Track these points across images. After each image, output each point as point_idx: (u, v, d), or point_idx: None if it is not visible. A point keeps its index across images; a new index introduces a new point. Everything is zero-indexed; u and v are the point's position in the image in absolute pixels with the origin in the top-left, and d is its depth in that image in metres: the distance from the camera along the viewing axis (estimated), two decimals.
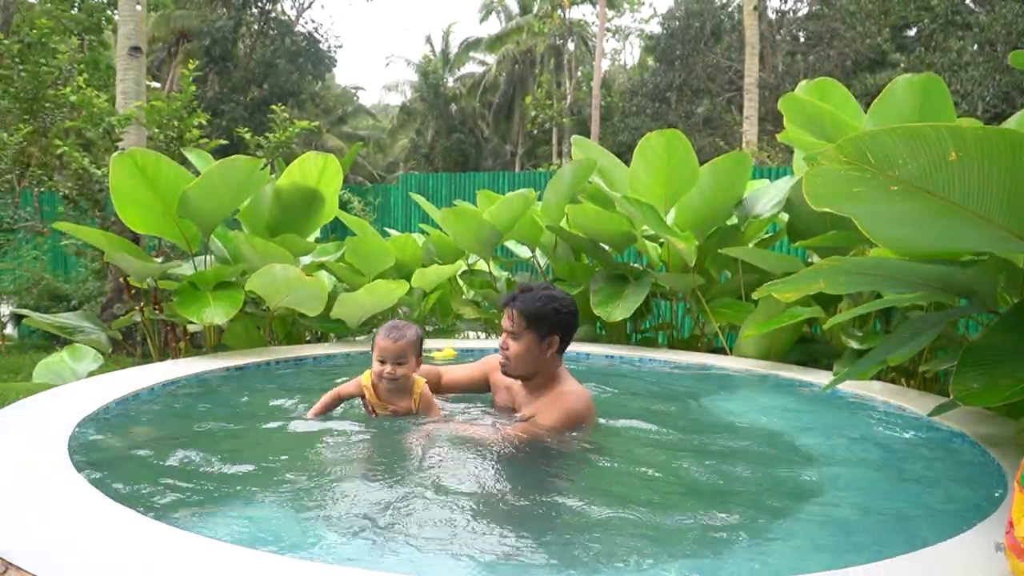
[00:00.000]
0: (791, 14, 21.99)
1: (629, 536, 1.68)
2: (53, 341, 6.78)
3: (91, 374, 3.54)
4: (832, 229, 3.60)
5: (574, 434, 2.39)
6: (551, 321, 2.48)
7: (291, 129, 7.27)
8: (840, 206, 1.89)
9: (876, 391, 3.12)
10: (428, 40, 34.41)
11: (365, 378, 2.55)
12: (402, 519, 1.71)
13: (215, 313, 3.72)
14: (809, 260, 4.57)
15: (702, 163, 4.22)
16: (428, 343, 4.40)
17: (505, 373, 2.55)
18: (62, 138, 7.30)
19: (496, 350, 2.60)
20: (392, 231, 5.95)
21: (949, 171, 1.60)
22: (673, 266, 4.65)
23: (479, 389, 2.85)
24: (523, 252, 5.50)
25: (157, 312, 4.43)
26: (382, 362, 2.46)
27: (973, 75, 15.74)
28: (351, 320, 4.38)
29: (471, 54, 33.04)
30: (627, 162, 4.49)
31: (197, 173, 4.15)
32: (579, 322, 2.65)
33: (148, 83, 8.83)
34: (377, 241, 4.80)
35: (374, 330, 2.51)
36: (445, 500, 1.83)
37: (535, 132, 28.12)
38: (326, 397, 2.57)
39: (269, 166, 5.69)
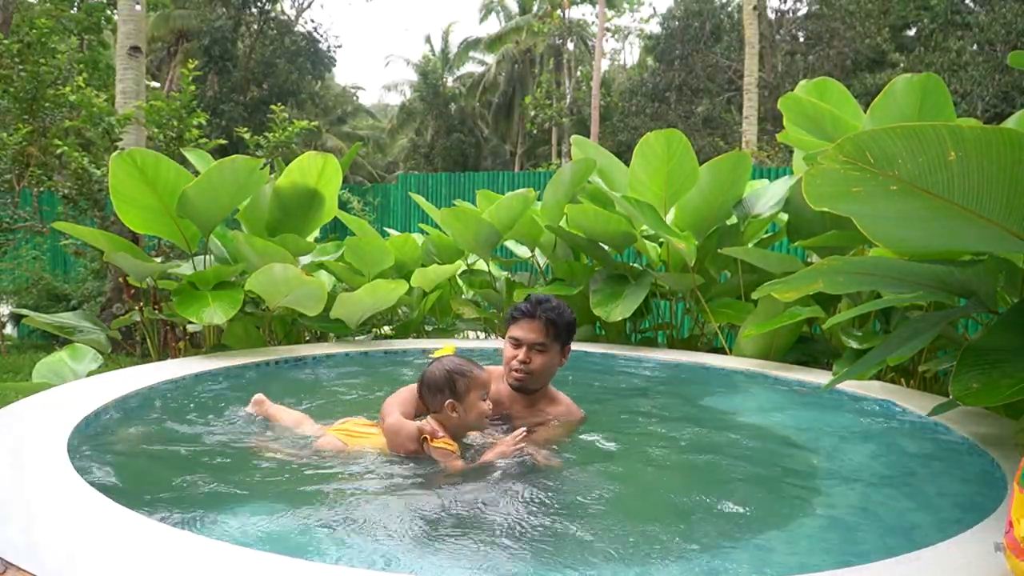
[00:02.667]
0: (791, 14, 21.98)
1: (628, 536, 1.69)
2: (52, 341, 6.79)
3: (91, 374, 3.53)
4: (832, 229, 3.60)
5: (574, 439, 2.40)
6: (571, 331, 2.49)
7: (290, 129, 7.28)
8: (839, 206, 1.89)
9: (876, 391, 3.12)
10: (428, 40, 34.42)
11: (447, 443, 2.11)
12: (405, 519, 1.71)
13: (214, 313, 3.72)
14: (808, 260, 4.57)
15: (702, 163, 4.22)
16: (428, 343, 4.41)
17: (521, 388, 2.43)
18: (62, 138, 7.30)
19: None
20: (392, 231, 5.95)
21: (948, 171, 1.60)
22: (673, 266, 4.65)
23: None
24: (523, 252, 5.51)
25: (156, 312, 4.43)
26: (484, 399, 2.19)
27: (973, 75, 15.75)
28: (351, 320, 4.38)
29: (471, 54, 33.04)
30: (627, 162, 4.49)
31: (196, 173, 4.15)
32: (577, 324, 2.64)
33: (148, 83, 8.83)
34: (377, 241, 4.80)
35: (434, 357, 2.26)
36: (451, 503, 1.83)
37: (534, 132, 28.13)
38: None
39: (268, 166, 5.69)
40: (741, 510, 1.87)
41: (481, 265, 5.59)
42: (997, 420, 2.61)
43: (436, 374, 2.18)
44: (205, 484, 1.90)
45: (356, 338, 4.71)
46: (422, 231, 5.90)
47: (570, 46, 28.40)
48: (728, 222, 4.57)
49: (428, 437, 2.07)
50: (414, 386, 2.33)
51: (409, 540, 1.60)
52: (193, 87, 6.73)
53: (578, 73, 26.81)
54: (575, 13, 27.65)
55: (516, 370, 2.41)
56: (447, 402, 2.14)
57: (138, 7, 7.28)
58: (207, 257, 4.35)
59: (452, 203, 5.58)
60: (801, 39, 21.83)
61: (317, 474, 2.03)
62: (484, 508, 1.80)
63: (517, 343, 2.42)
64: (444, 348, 4.15)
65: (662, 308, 5.66)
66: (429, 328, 5.49)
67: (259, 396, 2.49)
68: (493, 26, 34.38)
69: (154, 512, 1.63)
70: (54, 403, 2.47)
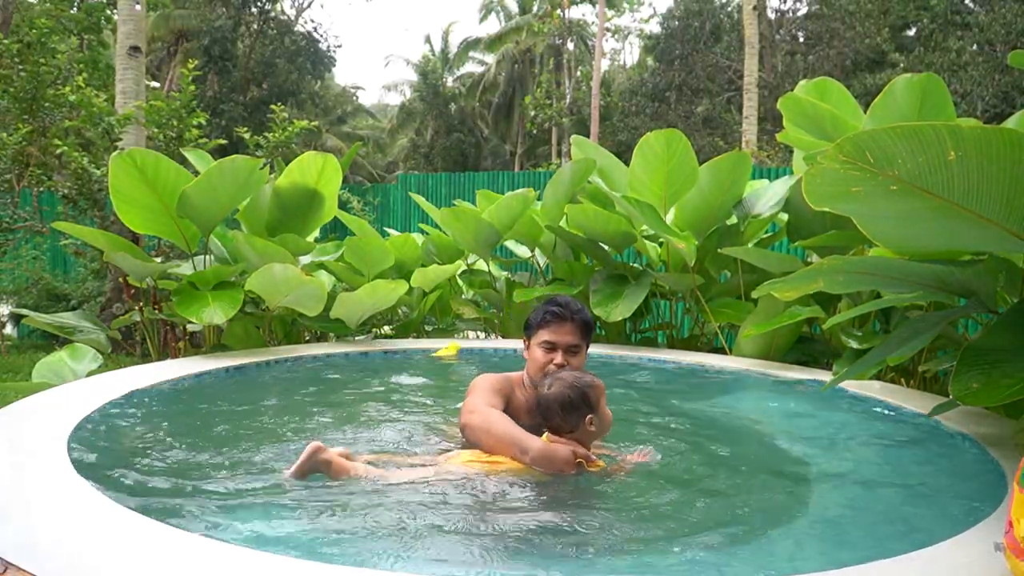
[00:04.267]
0: (791, 14, 21.99)
1: (626, 535, 1.69)
2: (52, 341, 6.78)
3: (90, 374, 3.53)
4: (832, 229, 3.61)
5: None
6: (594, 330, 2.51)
7: (290, 129, 7.28)
8: (839, 205, 1.89)
9: (876, 391, 3.12)
10: (428, 40, 34.40)
11: (599, 464, 2.09)
12: (402, 516, 1.71)
13: (214, 313, 3.72)
14: (808, 260, 4.57)
15: (702, 163, 4.22)
16: (428, 343, 4.41)
17: None
18: (61, 138, 7.30)
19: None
20: (392, 231, 5.95)
21: (948, 170, 1.60)
22: (673, 266, 4.65)
23: None
24: (522, 252, 5.51)
25: (156, 312, 4.43)
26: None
27: (973, 75, 15.76)
28: (351, 320, 4.38)
29: (470, 54, 33.03)
30: (627, 162, 4.50)
31: (196, 173, 4.15)
32: None
33: (147, 83, 8.83)
34: (376, 241, 4.80)
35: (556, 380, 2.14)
36: (453, 502, 1.83)
37: (534, 132, 28.12)
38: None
39: (268, 166, 5.69)
40: (739, 510, 1.87)
41: (481, 265, 5.59)
42: (997, 420, 2.61)
43: (569, 394, 2.08)
44: (205, 484, 1.90)
45: (356, 338, 4.71)
46: (422, 231, 5.90)
47: (570, 46, 28.40)
48: (728, 222, 4.57)
49: (584, 461, 2.02)
50: (485, 397, 2.28)
51: (410, 538, 1.60)
52: (193, 87, 6.73)
53: (578, 73, 26.81)
54: (575, 13, 27.66)
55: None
56: (588, 417, 2.08)
57: (138, 7, 7.28)
58: (207, 257, 4.35)
59: (452, 203, 5.58)
60: (801, 39, 21.84)
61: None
62: (488, 508, 1.80)
63: (552, 347, 2.40)
64: (448, 347, 4.15)
65: (662, 308, 5.66)
66: (429, 328, 5.49)
67: (317, 444, 1.92)
68: (493, 26, 34.40)
69: (154, 512, 1.63)
70: (54, 403, 2.47)
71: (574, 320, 2.41)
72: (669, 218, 4.48)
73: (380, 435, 2.44)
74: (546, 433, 2.13)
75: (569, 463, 2.00)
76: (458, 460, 2.07)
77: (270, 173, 4.70)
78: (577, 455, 2.02)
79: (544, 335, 2.41)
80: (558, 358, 2.38)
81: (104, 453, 2.10)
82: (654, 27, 25.28)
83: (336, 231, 9.37)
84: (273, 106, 7.92)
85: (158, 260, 4.93)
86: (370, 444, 2.34)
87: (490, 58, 31.92)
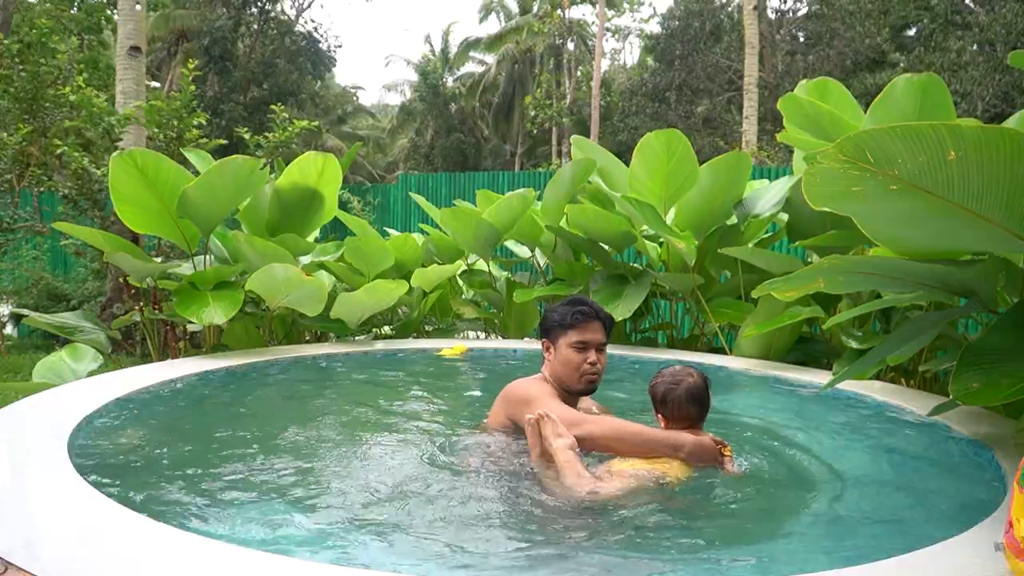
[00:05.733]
0: (791, 14, 21.98)
1: (625, 536, 1.69)
2: (53, 341, 6.78)
3: (91, 374, 3.54)
4: (832, 228, 3.60)
5: None
6: None
7: (291, 129, 7.28)
8: (839, 205, 1.89)
9: (876, 391, 3.12)
10: (428, 40, 34.39)
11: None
12: (404, 517, 1.71)
13: (214, 313, 3.72)
14: (808, 260, 4.57)
15: (702, 163, 4.22)
16: (428, 343, 4.41)
17: (592, 391, 2.44)
18: (62, 138, 7.31)
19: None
20: (392, 231, 5.95)
21: (948, 170, 1.60)
22: (673, 266, 4.65)
23: None
24: (523, 252, 5.51)
25: (156, 312, 4.43)
26: None
27: (973, 75, 15.75)
28: (351, 320, 4.38)
29: (470, 54, 33.01)
30: (627, 162, 4.49)
31: (197, 173, 4.15)
32: None
33: (148, 83, 8.83)
34: (377, 241, 4.80)
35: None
36: (452, 499, 1.83)
37: (535, 132, 28.09)
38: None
39: (269, 166, 5.69)
40: (738, 510, 1.87)
41: (481, 265, 5.59)
42: (997, 420, 2.61)
43: (703, 380, 2.19)
44: (205, 484, 1.90)
45: (356, 338, 4.71)
46: (422, 231, 5.90)
47: (570, 46, 28.37)
48: (728, 222, 4.57)
49: (722, 446, 2.10)
50: (562, 405, 2.27)
51: (409, 537, 1.60)
52: (193, 87, 6.73)
53: (578, 73, 26.79)
54: (575, 13, 27.63)
55: (590, 373, 2.39)
56: None
57: (138, 7, 7.28)
58: (207, 257, 4.35)
59: (452, 203, 5.58)
60: (801, 39, 21.82)
61: (317, 470, 2.02)
62: (488, 507, 1.80)
63: (584, 346, 2.39)
64: (455, 348, 4.15)
65: (662, 308, 5.66)
66: (429, 328, 5.49)
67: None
68: (493, 26, 34.34)
69: (154, 512, 1.63)
70: (54, 403, 2.47)
71: (600, 318, 2.43)
72: (669, 218, 4.48)
73: (386, 435, 2.44)
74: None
75: (716, 453, 2.08)
76: (625, 467, 2.01)
77: (270, 173, 4.70)
78: (718, 443, 2.10)
79: (574, 336, 2.40)
80: (592, 357, 2.38)
81: (104, 453, 2.11)
82: (654, 27, 25.25)
83: (336, 231, 9.36)
84: (273, 106, 7.93)
85: (158, 260, 4.93)
86: (375, 444, 2.34)
87: (490, 58, 31.91)
